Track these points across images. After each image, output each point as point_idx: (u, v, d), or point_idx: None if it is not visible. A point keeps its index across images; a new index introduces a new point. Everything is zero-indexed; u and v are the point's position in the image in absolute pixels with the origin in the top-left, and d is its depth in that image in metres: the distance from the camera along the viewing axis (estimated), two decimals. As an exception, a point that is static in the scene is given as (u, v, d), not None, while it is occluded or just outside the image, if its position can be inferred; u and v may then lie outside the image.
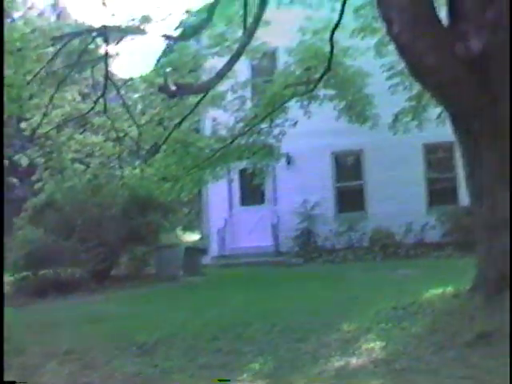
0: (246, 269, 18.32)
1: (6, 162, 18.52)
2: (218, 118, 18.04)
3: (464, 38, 9.09)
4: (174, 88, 12.06)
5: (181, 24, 15.99)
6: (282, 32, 17.49)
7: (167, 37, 16.19)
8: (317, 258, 19.60)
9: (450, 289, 9.36)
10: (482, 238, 9.34)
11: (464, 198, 14.29)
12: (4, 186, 13.85)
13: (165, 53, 18.20)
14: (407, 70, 10.72)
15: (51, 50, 14.28)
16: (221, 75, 13.18)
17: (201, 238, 25.24)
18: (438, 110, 15.12)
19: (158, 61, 18.13)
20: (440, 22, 9.55)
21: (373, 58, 16.85)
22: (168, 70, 16.09)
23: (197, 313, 10.09)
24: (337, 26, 14.02)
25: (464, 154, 9.71)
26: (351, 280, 14.08)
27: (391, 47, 11.62)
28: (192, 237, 28.99)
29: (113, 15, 16.88)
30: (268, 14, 13.61)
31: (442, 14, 9.72)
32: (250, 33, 13.47)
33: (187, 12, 15.72)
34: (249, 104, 17.98)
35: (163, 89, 12.30)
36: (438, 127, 15.82)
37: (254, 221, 21.49)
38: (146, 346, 7.59)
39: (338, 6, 13.51)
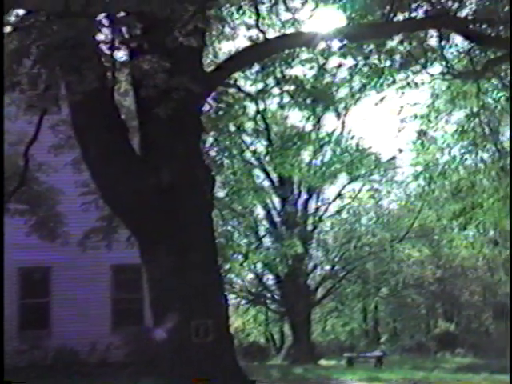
0: None
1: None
2: None
3: (155, 168, 9.68)
4: None
5: None
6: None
7: None
8: (-5, 377, 18.51)
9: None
10: (164, 359, 9.70)
11: (149, 319, 14.65)
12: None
13: None
14: (100, 194, 11.05)
15: None
16: None
17: None
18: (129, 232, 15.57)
19: None
20: (133, 151, 10.09)
21: (67, 176, 17.04)
22: None
23: None
24: (33, 140, 14.02)
25: (149, 278, 10.12)
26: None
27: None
28: None
29: None
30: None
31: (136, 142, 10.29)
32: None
33: None
34: None
35: None
36: (128, 249, 16.23)
37: None
38: None
39: (35, 119, 13.50)
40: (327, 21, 14.55)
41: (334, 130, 27.89)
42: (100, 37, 8.72)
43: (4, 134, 12.35)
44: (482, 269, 40.02)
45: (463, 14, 13.38)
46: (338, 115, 20.39)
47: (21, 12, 9.00)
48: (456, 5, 13.22)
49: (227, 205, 25.32)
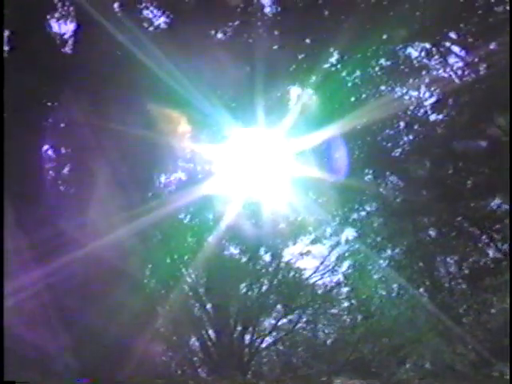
0: None
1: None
2: None
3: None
4: None
5: None
6: None
7: None
8: None
9: None
10: None
11: None
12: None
13: None
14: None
15: None
16: None
17: None
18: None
19: None
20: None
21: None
22: None
23: None
24: None
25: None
26: None
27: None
28: None
29: None
30: None
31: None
32: None
33: None
34: None
35: None
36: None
37: None
38: None
39: None
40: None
41: (271, 262, 27.81)
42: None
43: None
44: (422, 402, 39.49)
45: (397, 153, 13.70)
46: (275, 250, 20.40)
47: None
48: (390, 144, 13.55)
49: (162, 335, 24.68)
